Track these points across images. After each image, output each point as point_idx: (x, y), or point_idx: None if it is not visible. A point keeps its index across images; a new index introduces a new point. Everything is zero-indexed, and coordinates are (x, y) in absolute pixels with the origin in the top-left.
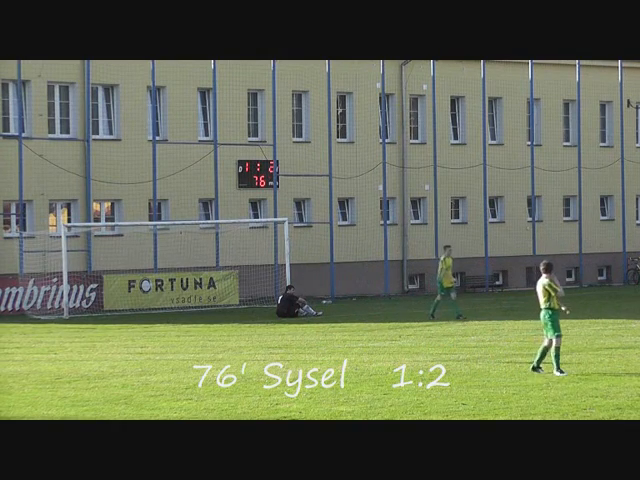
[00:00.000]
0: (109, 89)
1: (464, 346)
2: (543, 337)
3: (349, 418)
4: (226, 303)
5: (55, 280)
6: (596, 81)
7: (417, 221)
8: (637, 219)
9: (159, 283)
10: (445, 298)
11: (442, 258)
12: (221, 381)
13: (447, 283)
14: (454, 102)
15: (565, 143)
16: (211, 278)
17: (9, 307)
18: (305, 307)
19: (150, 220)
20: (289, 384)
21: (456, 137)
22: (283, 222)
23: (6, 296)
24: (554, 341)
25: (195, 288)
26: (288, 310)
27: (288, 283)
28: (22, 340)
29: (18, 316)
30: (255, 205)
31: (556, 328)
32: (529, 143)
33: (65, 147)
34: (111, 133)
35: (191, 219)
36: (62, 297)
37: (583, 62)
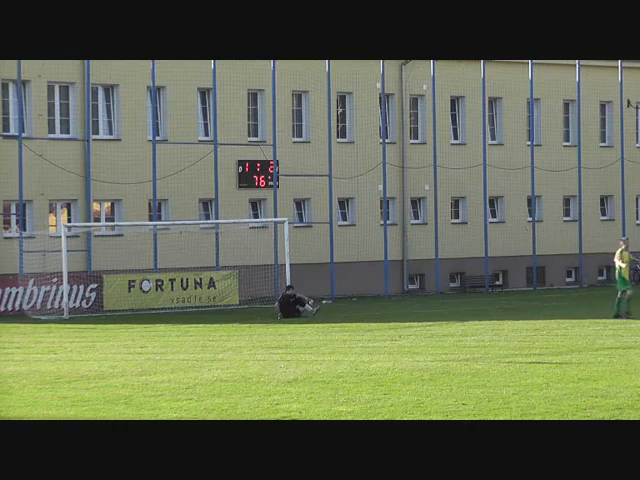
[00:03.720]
0: (109, 89)
1: (464, 346)
2: None
3: (349, 418)
4: (226, 303)
5: (55, 280)
6: (596, 81)
7: (417, 221)
8: (637, 219)
9: (159, 283)
10: (621, 293)
11: (619, 252)
12: (221, 381)
13: (627, 276)
14: (454, 102)
15: (565, 143)
16: (211, 278)
17: (9, 307)
18: (306, 306)
19: (150, 220)
20: (289, 384)
21: (456, 137)
22: (283, 222)
23: (6, 296)
24: None
25: (195, 288)
26: (289, 311)
27: (288, 283)
28: (22, 340)
29: (18, 316)
30: (255, 205)
31: None
32: (529, 143)
33: (65, 147)
34: (111, 133)
35: (191, 219)
36: (62, 297)
37: (583, 62)
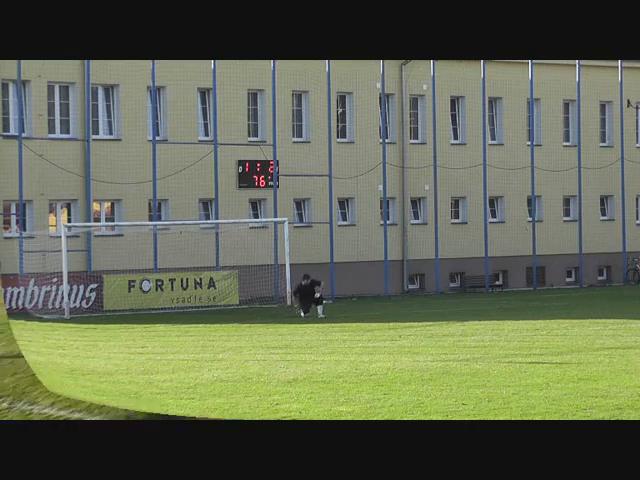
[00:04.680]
0: (109, 89)
1: (464, 346)
2: None
3: (349, 418)
4: (226, 303)
5: (55, 280)
6: (596, 81)
7: (417, 221)
8: (637, 219)
9: (159, 283)
10: None
11: None
12: (221, 381)
13: None
14: (454, 102)
15: (565, 143)
16: (211, 278)
17: (12, 305)
18: (318, 308)
19: (150, 220)
20: (289, 384)
21: (456, 137)
22: (283, 222)
23: (7, 296)
24: None
25: (195, 288)
26: (309, 300)
27: (288, 283)
28: (30, 336)
29: (20, 314)
30: (255, 205)
31: None
32: (529, 143)
33: (65, 147)
34: (111, 133)
35: (191, 219)
36: (62, 297)
37: (583, 62)
